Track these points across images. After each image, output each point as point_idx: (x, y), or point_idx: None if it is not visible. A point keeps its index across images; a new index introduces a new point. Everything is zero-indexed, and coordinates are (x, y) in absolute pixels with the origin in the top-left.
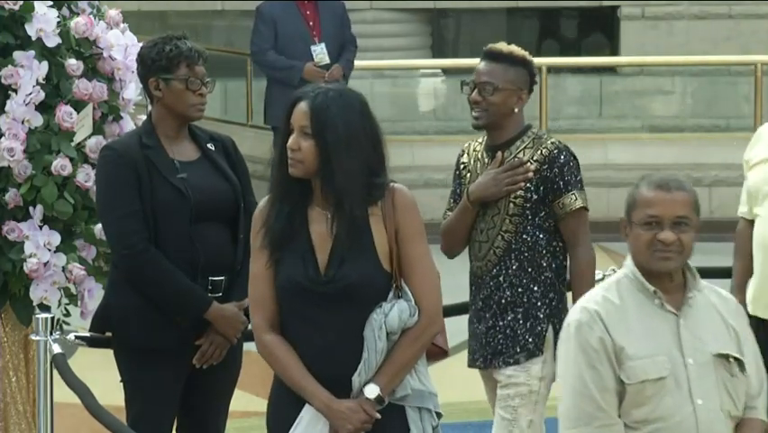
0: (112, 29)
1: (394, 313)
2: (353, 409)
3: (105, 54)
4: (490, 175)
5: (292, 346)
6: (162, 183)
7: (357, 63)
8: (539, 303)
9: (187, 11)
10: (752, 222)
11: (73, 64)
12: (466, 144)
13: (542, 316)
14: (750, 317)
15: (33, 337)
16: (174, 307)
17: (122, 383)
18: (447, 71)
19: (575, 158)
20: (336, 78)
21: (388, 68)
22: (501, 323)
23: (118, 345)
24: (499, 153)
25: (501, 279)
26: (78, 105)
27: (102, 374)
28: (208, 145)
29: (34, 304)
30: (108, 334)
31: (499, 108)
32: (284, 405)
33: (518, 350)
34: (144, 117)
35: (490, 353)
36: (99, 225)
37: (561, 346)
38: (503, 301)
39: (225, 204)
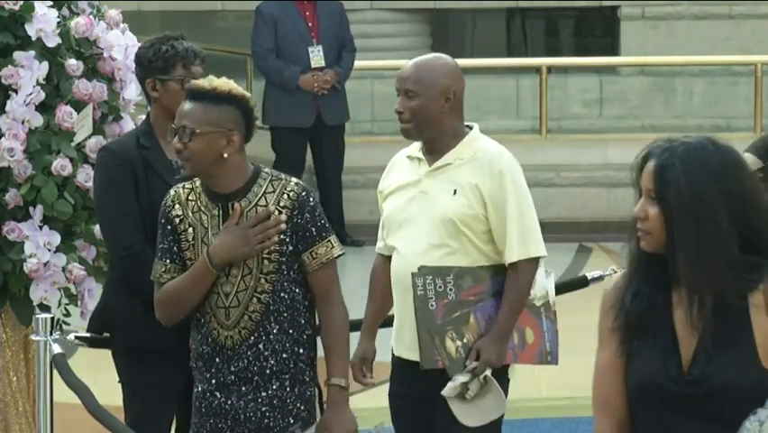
0: (112, 29)
1: None
2: None
3: (105, 54)
4: (236, 232)
5: None
6: (160, 184)
7: (357, 63)
8: (305, 366)
9: (187, 11)
10: (389, 258)
11: (73, 64)
12: (172, 192)
13: (308, 379)
14: (393, 357)
15: (33, 337)
16: None
17: (120, 384)
18: None
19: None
20: (329, 83)
21: (388, 68)
22: (264, 394)
23: (116, 345)
24: (237, 205)
25: (262, 346)
26: (78, 106)
27: (102, 374)
28: None
29: (34, 304)
30: (106, 334)
31: (203, 156)
32: None
33: (291, 421)
34: (144, 117)
35: (253, 429)
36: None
37: None
38: (267, 371)
39: None
